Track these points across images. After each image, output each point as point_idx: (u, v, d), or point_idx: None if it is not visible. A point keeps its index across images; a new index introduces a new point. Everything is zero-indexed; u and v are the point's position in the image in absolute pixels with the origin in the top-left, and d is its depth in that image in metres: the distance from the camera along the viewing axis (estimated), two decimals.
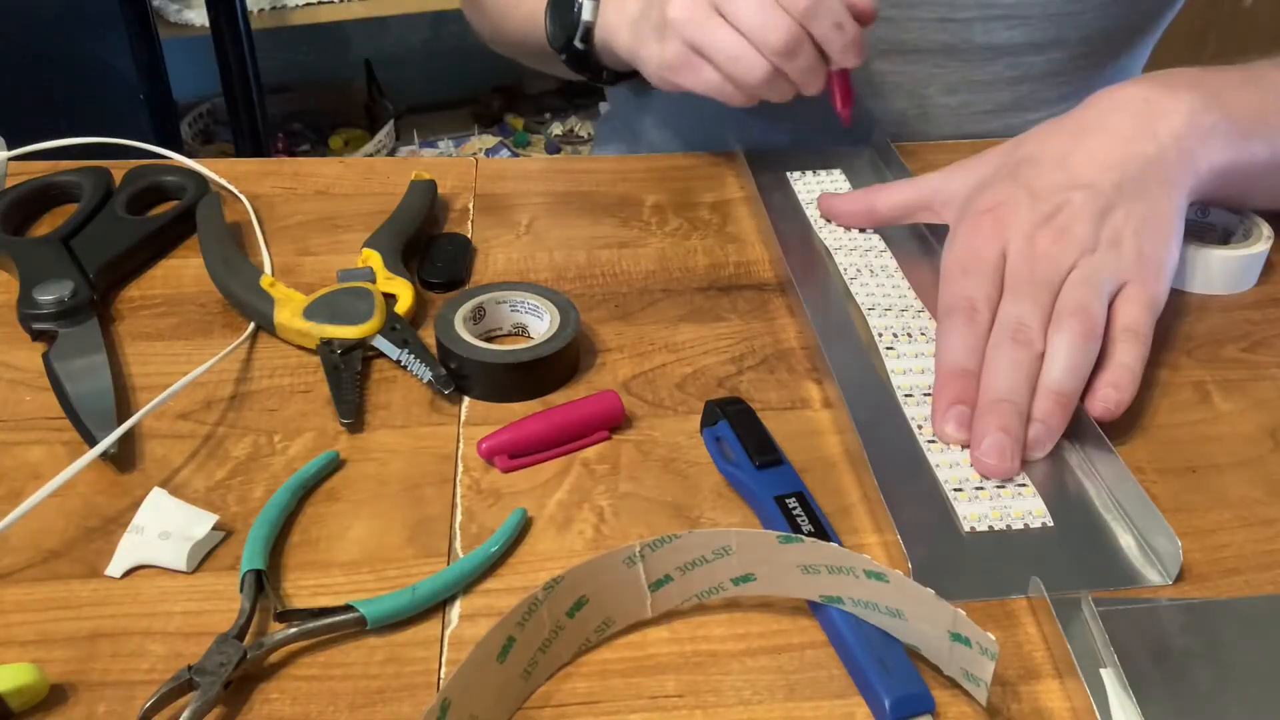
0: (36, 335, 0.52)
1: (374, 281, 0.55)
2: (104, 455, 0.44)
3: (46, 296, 0.52)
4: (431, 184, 0.64)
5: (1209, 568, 0.43)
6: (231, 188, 0.65)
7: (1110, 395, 0.48)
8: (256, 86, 1.71)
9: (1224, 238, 0.61)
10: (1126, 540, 0.44)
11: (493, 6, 0.79)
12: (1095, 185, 0.52)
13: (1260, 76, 0.58)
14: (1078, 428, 0.48)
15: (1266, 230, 0.60)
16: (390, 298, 0.54)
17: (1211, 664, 0.38)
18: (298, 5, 1.80)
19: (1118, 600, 0.40)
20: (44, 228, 0.62)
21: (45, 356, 0.50)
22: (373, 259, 0.57)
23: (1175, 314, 0.58)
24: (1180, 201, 0.53)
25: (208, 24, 1.65)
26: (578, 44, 0.67)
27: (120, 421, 0.46)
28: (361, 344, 0.51)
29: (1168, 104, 0.54)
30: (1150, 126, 0.54)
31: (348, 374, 0.50)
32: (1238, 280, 0.59)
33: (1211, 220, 0.62)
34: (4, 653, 0.38)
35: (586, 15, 0.66)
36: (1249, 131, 0.55)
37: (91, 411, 0.47)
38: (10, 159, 0.65)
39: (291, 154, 2.07)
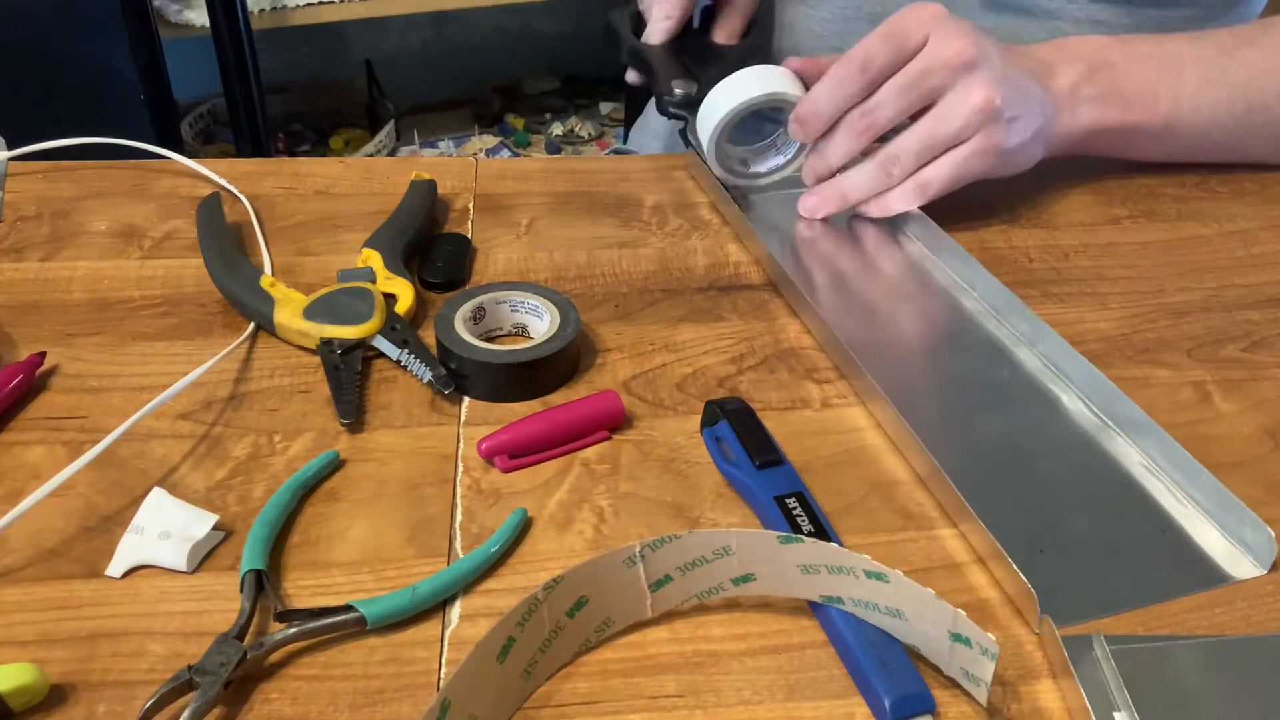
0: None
1: (374, 281, 0.55)
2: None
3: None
4: (431, 184, 0.64)
5: None
6: (232, 188, 0.65)
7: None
8: (257, 86, 1.72)
9: None
10: (1210, 536, 0.43)
11: None
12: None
13: (1168, 53, 0.66)
14: (1138, 429, 0.48)
15: None
16: (390, 298, 0.54)
17: (1233, 706, 0.37)
18: (298, 5, 1.80)
19: (1129, 638, 0.39)
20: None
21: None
22: (373, 259, 0.57)
23: (1175, 313, 0.58)
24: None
25: (208, 24, 1.65)
26: None
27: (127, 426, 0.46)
28: (361, 344, 0.51)
29: (1060, 70, 0.64)
30: (1042, 77, 0.63)
31: (348, 374, 0.50)
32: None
33: None
34: (4, 653, 0.38)
35: None
36: (1131, 105, 0.65)
37: None
38: (10, 159, 0.65)
39: (291, 154, 2.07)
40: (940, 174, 0.61)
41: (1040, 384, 0.52)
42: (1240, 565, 0.42)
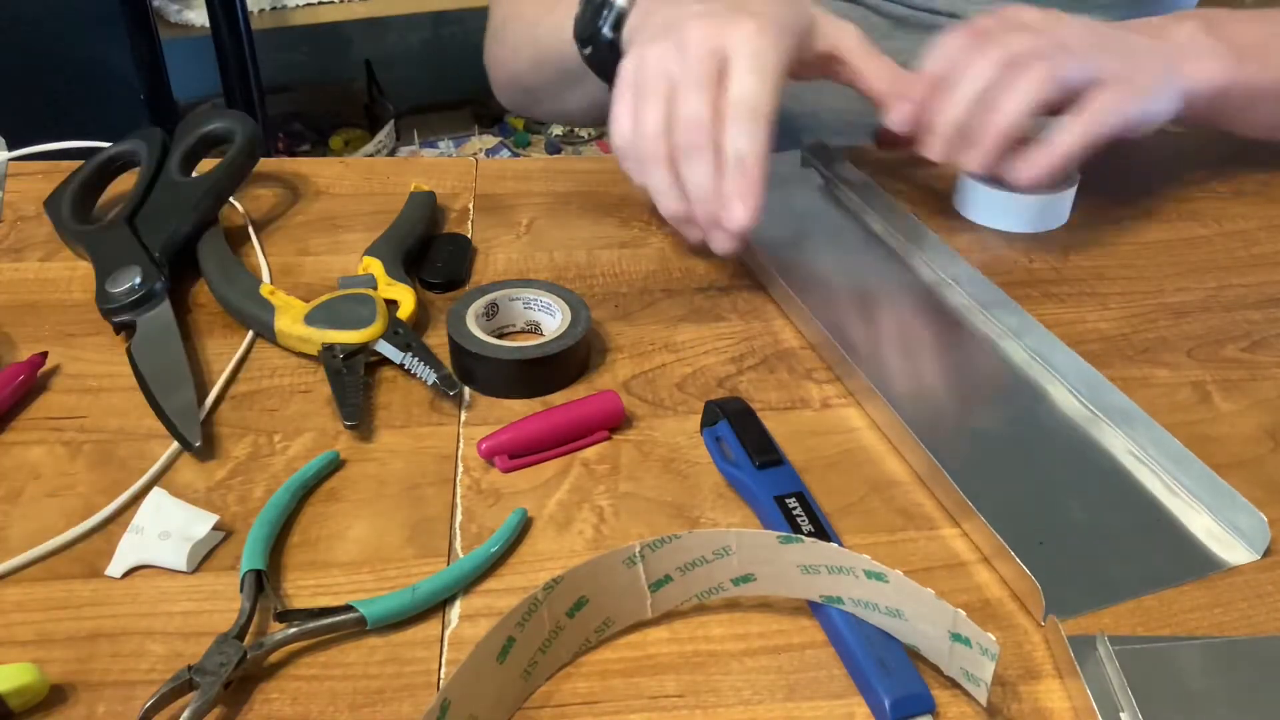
0: (118, 329, 0.53)
1: (375, 288, 0.55)
2: (190, 449, 0.46)
3: (118, 288, 0.53)
4: (431, 195, 0.64)
5: None
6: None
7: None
8: (256, 86, 1.72)
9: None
10: (1204, 524, 0.44)
11: (517, 27, 0.76)
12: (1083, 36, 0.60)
13: (1271, 15, 0.66)
14: (1127, 419, 0.48)
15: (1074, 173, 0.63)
16: (392, 304, 0.54)
17: (1235, 707, 0.36)
18: (298, 5, 1.80)
19: (1131, 639, 0.39)
20: (108, 202, 0.62)
21: (128, 351, 0.51)
22: (374, 266, 0.56)
23: (1175, 313, 0.58)
24: (1158, 88, 0.60)
25: (208, 24, 1.65)
26: (605, 30, 0.61)
27: (200, 411, 0.48)
28: (364, 348, 0.51)
29: (1173, 28, 0.63)
30: (1152, 34, 0.62)
31: (351, 377, 0.49)
32: (1043, 219, 0.64)
33: None
34: (4, 653, 0.38)
35: (621, 2, 0.61)
36: (1246, 56, 0.63)
37: (175, 406, 0.48)
38: (10, 159, 0.65)
39: (291, 154, 2.07)
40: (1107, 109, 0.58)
41: (1029, 377, 0.53)
42: (1235, 551, 0.43)
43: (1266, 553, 0.43)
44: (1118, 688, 0.36)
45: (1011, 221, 0.65)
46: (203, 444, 0.46)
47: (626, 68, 0.55)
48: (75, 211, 0.60)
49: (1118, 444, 0.48)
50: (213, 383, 0.50)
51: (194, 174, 0.62)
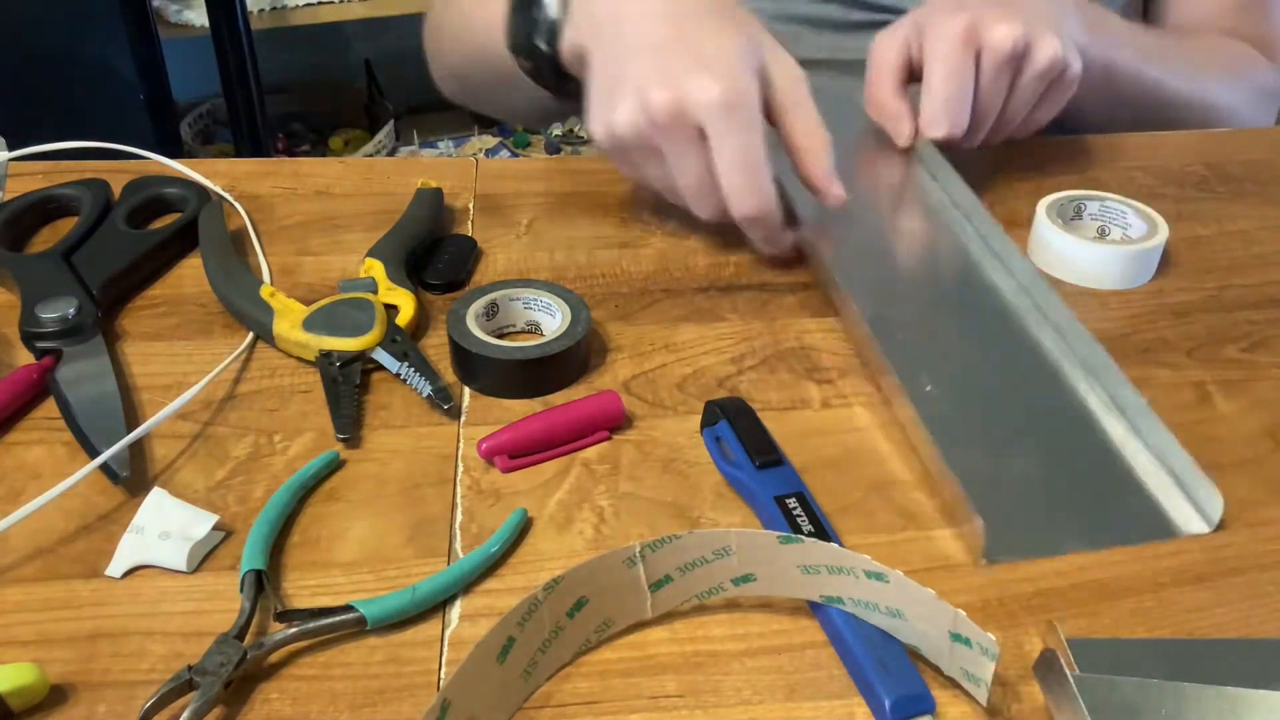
0: (40, 354, 0.51)
1: (375, 292, 0.55)
2: (116, 480, 0.44)
3: (50, 314, 0.51)
4: (438, 192, 0.63)
5: (1209, 569, 0.43)
6: (228, 196, 0.65)
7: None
8: (256, 86, 1.72)
9: (1100, 233, 0.63)
10: (1165, 491, 0.46)
11: (453, 21, 0.78)
12: None
13: (1147, 31, 0.74)
14: (1109, 381, 0.50)
15: (1163, 225, 0.61)
16: (392, 309, 0.53)
17: (1235, 710, 0.36)
18: (298, 5, 1.80)
19: (1132, 640, 0.39)
20: (42, 242, 0.61)
21: (50, 375, 0.49)
22: (375, 269, 0.56)
23: (1174, 314, 0.58)
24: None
25: (208, 24, 1.65)
26: (540, 44, 0.59)
27: (129, 443, 0.45)
28: (361, 356, 0.51)
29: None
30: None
31: (346, 387, 0.49)
32: (1134, 275, 0.60)
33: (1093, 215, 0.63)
34: (4, 653, 0.38)
35: (552, 13, 0.58)
36: (1116, 44, 0.70)
37: (100, 433, 0.46)
38: (10, 160, 0.65)
39: (291, 154, 2.07)
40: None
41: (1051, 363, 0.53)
42: (1192, 523, 0.44)
43: (1219, 526, 0.44)
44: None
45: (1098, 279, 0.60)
46: (132, 475, 0.45)
47: (600, 140, 0.56)
48: (3, 239, 0.58)
49: (1102, 414, 0.50)
50: (147, 416, 0.48)
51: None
